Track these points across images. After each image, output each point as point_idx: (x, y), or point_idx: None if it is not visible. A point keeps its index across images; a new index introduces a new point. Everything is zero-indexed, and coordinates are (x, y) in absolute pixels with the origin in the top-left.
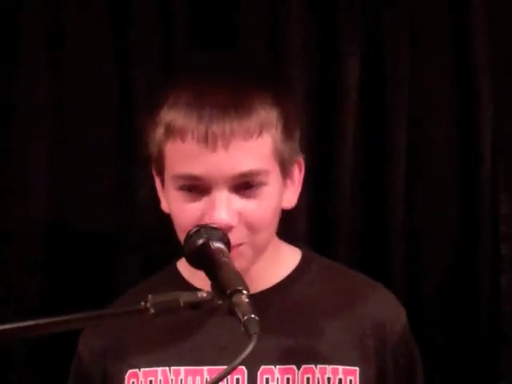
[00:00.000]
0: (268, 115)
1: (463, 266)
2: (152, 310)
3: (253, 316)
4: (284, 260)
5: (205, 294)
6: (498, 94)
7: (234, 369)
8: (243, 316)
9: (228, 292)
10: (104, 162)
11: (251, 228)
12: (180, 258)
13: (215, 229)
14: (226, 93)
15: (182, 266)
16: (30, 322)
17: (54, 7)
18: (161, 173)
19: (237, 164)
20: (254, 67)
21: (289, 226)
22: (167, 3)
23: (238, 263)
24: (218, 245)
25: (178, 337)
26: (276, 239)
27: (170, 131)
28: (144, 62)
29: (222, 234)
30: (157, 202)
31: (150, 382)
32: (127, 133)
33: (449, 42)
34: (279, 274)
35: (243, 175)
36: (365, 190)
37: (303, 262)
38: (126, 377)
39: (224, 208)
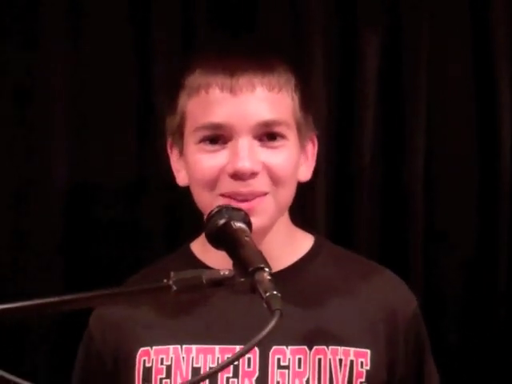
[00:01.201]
0: (287, 76)
1: (482, 257)
2: (174, 288)
3: (275, 293)
4: (298, 243)
5: (227, 272)
6: None
7: (255, 344)
8: (265, 293)
9: (250, 269)
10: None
11: (274, 178)
12: (194, 239)
13: (237, 209)
14: (248, 53)
15: (196, 247)
16: (51, 299)
17: None
18: (180, 138)
19: (260, 111)
20: (273, 43)
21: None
22: None
23: (260, 217)
24: (240, 224)
25: (190, 315)
26: (290, 223)
27: (194, 89)
28: (164, 44)
29: (244, 214)
30: None
31: (162, 359)
32: (146, 112)
33: (469, 30)
34: (293, 256)
35: (266, 124)
36: (384, 178)
37: (316, 246)
38: (137, 355)
39: (247, 155)
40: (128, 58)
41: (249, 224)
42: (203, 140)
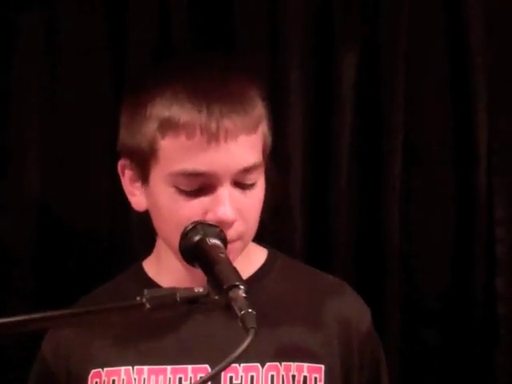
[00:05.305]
0: (262, 108)
1: (458, 268)
2: (148, 305)
3: (250, 310)
4: (251, 257)
5: (201, 289)
6: (494, 95)
7: (231, 363)
8: (240, 311)
9: (225, 287)
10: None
11: (247, 223)
12: (146, 257)
13: (212, 225)
14: (226, 87)
15: (148, 265)
16: (14, 319)
17: None
18: (143, 168)
19: (242, 158)
20: (236, 61)
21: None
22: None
23: (231, 258)
24: (215, 241)
25: (142, 336)
26: None
27: (170, 127)
28: (139, 58)
29: (219, 230)
30: None
31: (113, 381)
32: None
33: (444, 41)
34: (246, 270)
35: (246, 170)
36: (361, 188)
37: (269, 260)
38: (89, 376)
39: (228, 204)
40: (104, 71)
41: (224, 240)
42: (180, 185)
